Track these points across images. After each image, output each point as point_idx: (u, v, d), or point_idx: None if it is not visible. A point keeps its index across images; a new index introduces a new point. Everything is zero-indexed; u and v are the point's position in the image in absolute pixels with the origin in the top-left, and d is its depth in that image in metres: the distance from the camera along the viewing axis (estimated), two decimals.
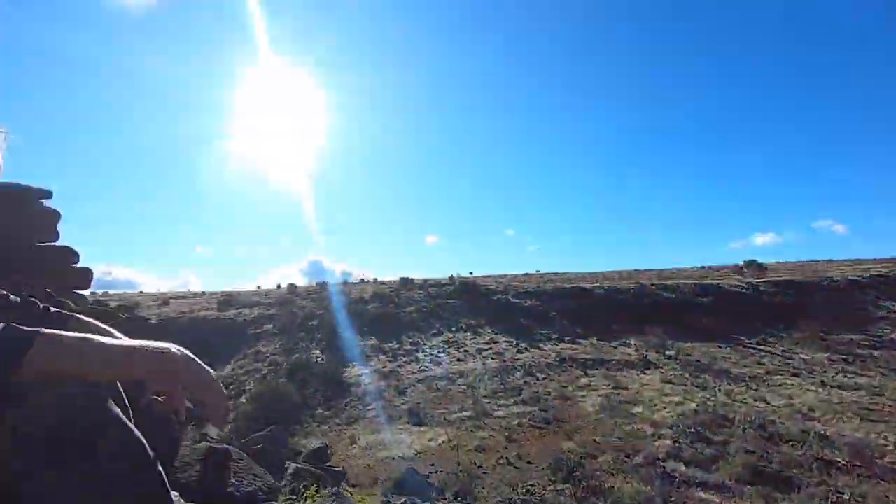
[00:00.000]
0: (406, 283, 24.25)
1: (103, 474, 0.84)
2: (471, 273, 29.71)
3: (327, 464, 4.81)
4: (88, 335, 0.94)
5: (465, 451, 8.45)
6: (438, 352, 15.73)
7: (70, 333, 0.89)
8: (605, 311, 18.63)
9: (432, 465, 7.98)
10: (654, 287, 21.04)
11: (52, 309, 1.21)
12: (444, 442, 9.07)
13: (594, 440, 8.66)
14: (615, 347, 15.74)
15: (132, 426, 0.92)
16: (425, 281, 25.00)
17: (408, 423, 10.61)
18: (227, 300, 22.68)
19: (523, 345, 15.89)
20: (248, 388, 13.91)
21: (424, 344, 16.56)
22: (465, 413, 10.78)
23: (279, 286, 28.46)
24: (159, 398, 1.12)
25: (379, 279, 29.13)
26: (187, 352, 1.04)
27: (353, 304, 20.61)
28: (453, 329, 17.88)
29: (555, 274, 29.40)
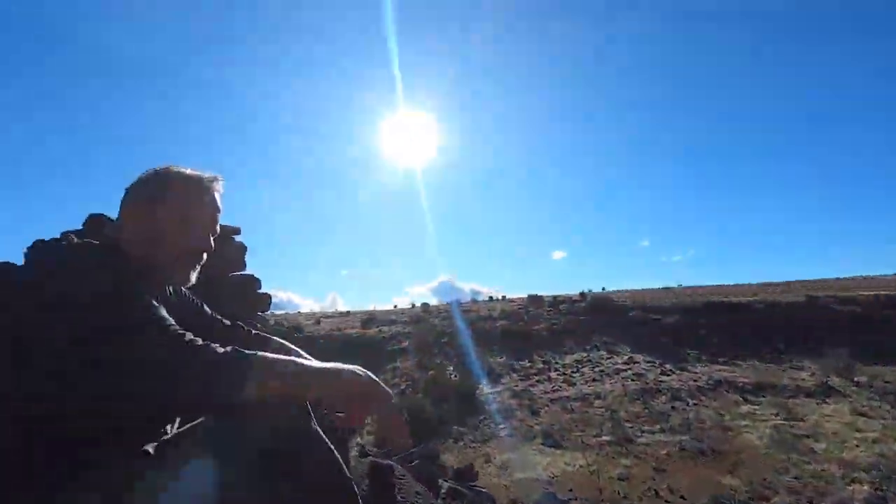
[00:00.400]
0: (535, 300, 23.85)
1: (308, 488, 0.91)
2: (603, 288, 28.21)
3: (473, 483, 4.82)
4: (294, 358, 1.05)
5: (606, 479, 7.91)
6: (572, 371, 15.09)
7: (280, 357, 1.00)
8: (768, 329, 16.21)
9: (570, 490, 7.60)
10: (830, 299, 17.78)
11: (254, 332, 1.40)
12: (582, 466, 8.60)
13: (764, 478, 7.49)
14: (783, 371, 13.55)
15: (329, 443, 0.97)
16: (554, 297, 24.32)
17: (542, 444, 10.30)
18: (369, 319, 24.52)
19: (667, 366, 14.50)
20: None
21: (556, 363, 16.02)
22: (604, 437, 10.13)
23: (413, 305, 30.02)
24: (340, 414, 1.22)
25: (507, 297, 29.11)
26: (372, 375, 1.12)
27: (482, 321, 20.84)
28: (587, 348, 17.04)
29: (700, 287, 26.48)
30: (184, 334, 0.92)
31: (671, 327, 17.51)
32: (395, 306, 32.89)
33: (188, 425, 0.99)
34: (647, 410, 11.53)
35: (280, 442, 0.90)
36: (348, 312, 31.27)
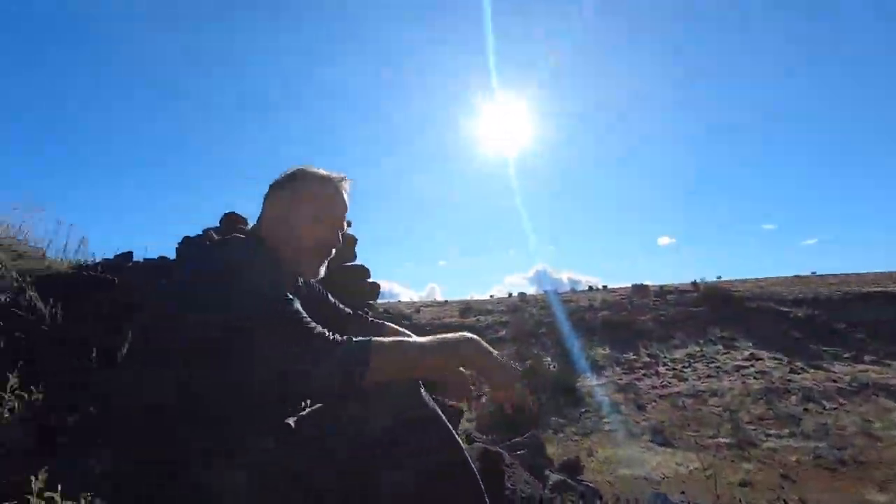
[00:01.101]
0: (639, 289, 22.51)
1: (431, 468, 0.92)
2: (718, 277, 25.74)
3: (579, 477, 4.70)
4: (408, 339, 1.11)
5: (724, 484, 7.32)
6: (682, 366, 14.06)
7: (396, 339, 1.07)
8: None
9: (683, 493, 7.13)
10: None
11: (370, 319, 1.50)
12: (696, 469, 8.03)
13: None
14: None
15: (446, 422, 0.98)
16: (661, 287, 22.73)
17: (651, 441, 9.76)
18: (467, 308, 24.89)
19: (798, 364, 12.93)
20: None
21: (664, 356, 15.02)
22: (722, 439, 9.34)
23: (510, 294, 29.82)
24: (450, 388, 1.26)
25: (608, 286, 27.78)
26: (484, 344, 1.13)
27: (581, 312, 20.15)
28: (700, 342, 15.74)
29: (839, 275, 23.08)
30: (315, 326, 1.01)
31: (802, 321, 15.56)
32: (492, 296, 32.98)
33: (317, 406, 1.06)
34: (772, 412, 10.39)
35: (402, 421, 0.94)
36: (446, 302, 31.93)
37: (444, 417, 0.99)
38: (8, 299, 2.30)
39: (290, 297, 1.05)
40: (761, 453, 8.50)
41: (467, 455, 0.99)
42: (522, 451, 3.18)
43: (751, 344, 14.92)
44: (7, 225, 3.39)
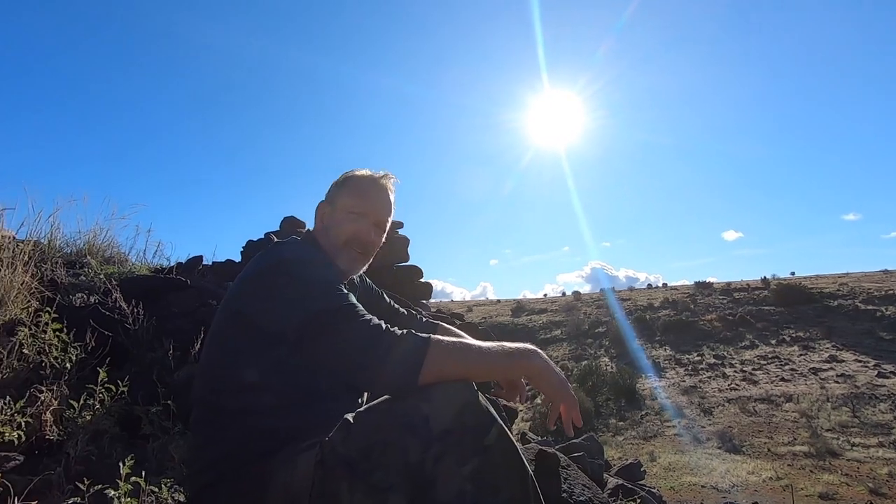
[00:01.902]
0: (703, 287, 21.41)
1: (490, 467, 0.92)
2: (792, 273, 24.01)
3: (640, 482, 4.51)
4: (464, 339, 1.11)
5: (802, 496, 6.81)
6: (752, 369, 13.22)
7: (451, 338, 1.07)
8: None
9: (756, 503, 6.71)
10: None
11: (424, 318, 1.51)
12: (770, 478, 7.53)
13: None
14: None
15: (502, 422, 0.97)
16: (728, 284, 21.50)
17: (718, 447, 9.26)
18: (519, 307, 24.66)
19: (887, 367, 11.81)
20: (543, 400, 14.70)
21: (732, 358, 14.18)
22: (798, 447, 8.71)
23: (564, 293, 29.27)
24: (503, 387, 1.25)
25: (669, 284, 26.61)
26: (544, 356, 1.11)
27: (641, 311, 19.41)
28: (772, 342, 14.74)
29: None
30: (371, 318, 1.03)
31: (892, 320, 14.20)
32: (545, 295, 32.47)
33: (375, 401, 1.09)
34: (857, 419, 9.55)
35: (460, 423, 0.93)
36: (498, 301, 31.81)
37: (499, 418, 0.98)
38: (97, 301, 2.53)
39: (345, 291, 1.09)
40: (845, 464, 7.83)
41: (523, 456, 0.97)
42: (580, 454, 3.09)
43: (831, 345, 13.80)
44: (98, 231, 3.72)
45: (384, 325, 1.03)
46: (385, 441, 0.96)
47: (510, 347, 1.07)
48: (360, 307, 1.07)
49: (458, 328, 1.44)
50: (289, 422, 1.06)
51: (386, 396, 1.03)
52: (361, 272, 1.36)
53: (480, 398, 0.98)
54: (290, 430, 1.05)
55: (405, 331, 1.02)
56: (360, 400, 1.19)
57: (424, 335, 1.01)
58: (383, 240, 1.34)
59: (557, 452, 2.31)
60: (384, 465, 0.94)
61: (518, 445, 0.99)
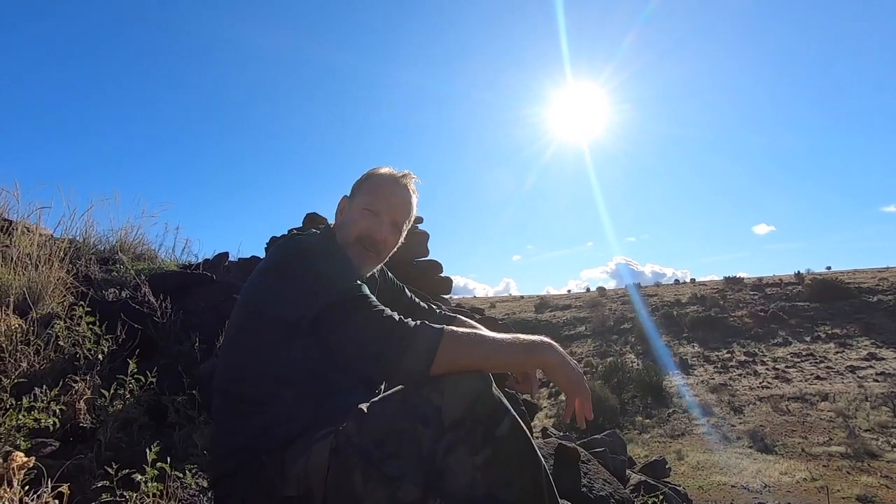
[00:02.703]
0: (733, 282, 20.84)
1: (501, 458, 0.93)
2: (828, 267, 23.11)
3: (665, 479, 4.43)
4: (479, 331, 1.11)
5: (839, 498, 6.58)
6: (785, 366, 12.80)
7: (465, 329, 1.07)
8: None
9: None
10: None
11: (444, 312, 1.51)
12: (804, 479, 7.30)
13: None
14: None
15: (516, 414, 0.97)
16: (759, 280, 20.87)
17: (749, 447, 9.01)
18: (542, 303, 24.47)
19: None
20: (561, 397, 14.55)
21: (763, 355, 13.76)
22: (834, 447, 8.41)
23: (588, 289, 28.88)
24: (518, 379, 1.25)
25: (697, 279, 25.99)
26: (560, 350, 1.11)
27: (667, 307, 19.02)
28: (807, 339, 14.25)
29: None
30: (384, 309, 1.04)
31: None
32: (569, 290, 32.12)
33: (391, 391, 1.09)
34: None
35: (472, 412, 0.94)
36: (521, 297, 31.60)
37: (513, 410, 0.98)
38: (127, 296, 2.63)
39: (360, 283, 1.10)
40: (885, 466, 7.52)
41: (537, 448, 0.97)
42: (601, 450, 3.04)
43: (869, 342, 13.25)
44: (130, 228, 3.87)
45: (397, 317, 1.04)
46: (398, 431, 0.97)
47: (526, 340, 1.07)
48: (374, 298, 1.07)
49: (476, 321, 1.44)
50: (305, 412, 1.07)
51: (400, 387, 1.05)
52: (380, 267, 1.36)
53: (493, 389, 0.98)
54: (306, 421, 1.06)
55: (419, 322, 1.03)
56: (376, 392, 1.20)
57: (438, 326, 1.02)
58: (401, 240, 1.32)
59: (577, 447, 2.29)
60: (397, 454, 0.95)
61: (532, 438, 0.98)
